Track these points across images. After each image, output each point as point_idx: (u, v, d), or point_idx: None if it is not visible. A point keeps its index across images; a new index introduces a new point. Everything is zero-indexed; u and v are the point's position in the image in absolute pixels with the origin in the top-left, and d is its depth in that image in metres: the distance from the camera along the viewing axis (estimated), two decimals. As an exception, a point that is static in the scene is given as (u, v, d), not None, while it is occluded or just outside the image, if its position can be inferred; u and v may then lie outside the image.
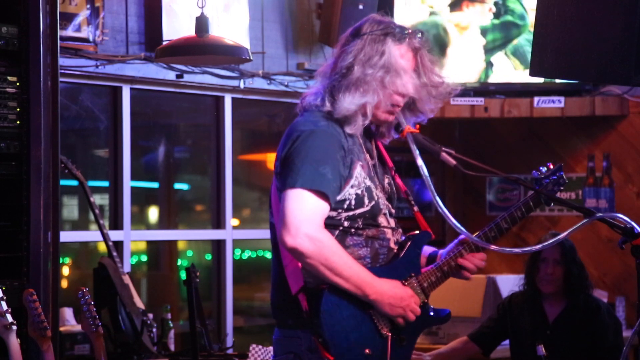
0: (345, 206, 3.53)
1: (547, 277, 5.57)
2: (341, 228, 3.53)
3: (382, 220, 3.61)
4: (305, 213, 3.41)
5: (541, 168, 3.80)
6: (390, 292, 3.51)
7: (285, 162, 3.49)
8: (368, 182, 3.57)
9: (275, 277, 3.60)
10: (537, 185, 3.78)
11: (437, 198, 3.55)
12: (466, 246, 3.70)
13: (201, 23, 5.74)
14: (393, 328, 3.56)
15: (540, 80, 7.47)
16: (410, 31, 3.62)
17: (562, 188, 3.81)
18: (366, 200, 3.55)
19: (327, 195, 3.44)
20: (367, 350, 3.50)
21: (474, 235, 3.67)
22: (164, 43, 6.08)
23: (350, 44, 3.60)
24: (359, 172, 3.55)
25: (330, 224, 3.50)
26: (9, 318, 4.30)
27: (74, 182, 5.95)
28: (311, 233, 3.40)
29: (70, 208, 6.88)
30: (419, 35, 3.63)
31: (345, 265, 3.44)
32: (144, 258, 7.29)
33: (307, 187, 3.42)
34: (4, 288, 4.42)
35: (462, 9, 7.60)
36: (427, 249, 3.79)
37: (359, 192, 3.54)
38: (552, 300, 5.63)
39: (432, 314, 3.65)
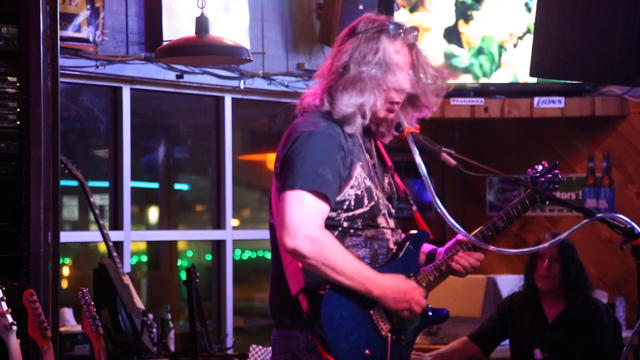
0: (345, 207, 3.53)
1: (544, 273, 5.57)
2: (340, 229, 3.54)
3: (381, 220, 3.61)
4: (304, 214, 3.41)
5: (536, 166, 3.80)
6: (393, 286, 3.51)
7: (285, 163, 3.49)
8: (368, 183, 3.57)
9: (275, 278, 3.60)
10: (532, 184, 3.78)
11: (437, 198, 3.55)
12: (464, 245, 3.70)
13: (201, 23, 5.74)
14: (392, 328, 3.56)
15: (541, 80, 7.48)
16: (404, 28, 3.62)
17: (557, 186, 3.81)
18: (366, 201, 3.55)
19: (327, 196, 3.44)
20: (367, 351, 3.50)
21: (470, 235, 3.67)
22: (164, 43, 6.09)
23: (346, 43, 3.61)
24: (358, 173, 3.55)
25: (330, 225, 3.50)
26: (9, 318, 4.30)
27: (74, 183, 5.95)
28: (310, 234, 3.40)
29: (71, 208, 6.88)
30: (414, 32, 3.63)
31: (346, 263, 3.44)
32: (144, 258, 7.30)
33: (306, 188, 3.42)
34: (4, 288, 4.42)
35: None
36: (427, 247, 3.80)
37: (359, 192, 3.54)
38: (551, 301, 5.63)
39: (430, 313, 3.65)
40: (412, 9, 7.57)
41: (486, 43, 7.63)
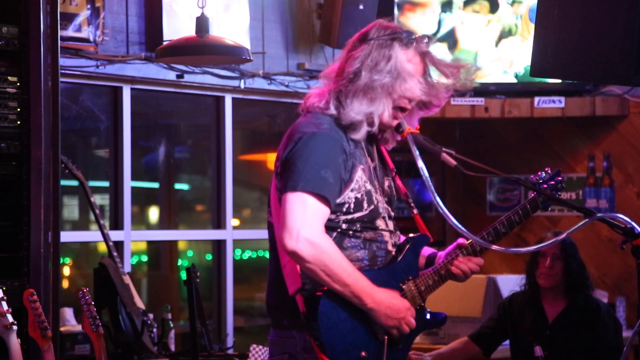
0: (344, 209, 3.53)
1: (546, 271, 5.57)
2: (339, 230, 3.54)
3: (380, 223, 3.60)
4: (306, 217, 3.41)
5: (540, 173, 3.80)
6: (387, 302, 3.51)
7: (287, 164, 3.49)
8: (368, 186, 3.57)
9: (272, 277, 3.60)
10: (535, 191, 3.78)
11: (438, 198, 3.54)
12: (464, 249, 3.70)
13: (201, 23, 5.74)
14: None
15: (541, 80, 7.48)
16: (417, 36, 3.62)
17: (560, 193, 3.81)
18: (365, 204, 3.55)
19: (328, 199, 3.45)
20: (363, 353, 3.50)
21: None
22: (165, 43, 6.09)
23: (357, 49, 3.60)
24: (359, 176, 3.55)
25: (329, 227, 3.50)
26: (10, 318, 4.29)
27: (74, 182, 5.95)
28: (311, 237, 3.40)
29: (71, 208, 6.88)
30: (426, 40, 3.63)
31: (344, 272, 3.44)
32: (145, 258, 7.30)
33: (308, 190, 3.42)
34: (4, 288, 4.42)
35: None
36: (427, 250, 3.79)
37: (359, 196, 3.54)
38: (552, 300, 5.63)
39: (428, 317, 3.65)
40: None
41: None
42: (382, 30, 3.61)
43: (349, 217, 3.53)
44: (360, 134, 3.56)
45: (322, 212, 3.44)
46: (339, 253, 3.45)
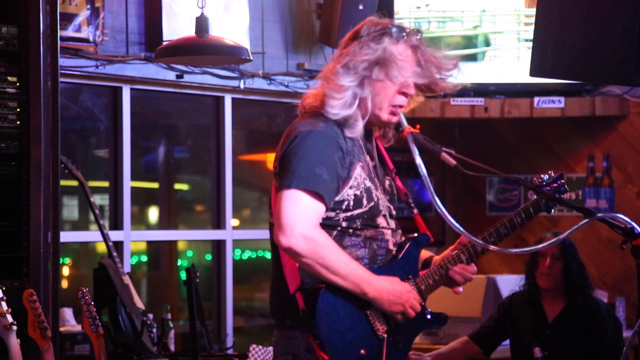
0: (344, 207, 3.53)
1: (546, 272, 5.58)
2: (339, 228, 3.54)
3: (381, 221, 3.60)
4: (300, 213, 3.41)
5: (543, 176, 3.79)
6: (388, 288, 3.50)
7: (282, 162, 3.50)
8: (368, 183, 3.57)
9: (274, 278, 3.60)
10: (534, 191, 3.77)
11: (437, 198, 3.54)
12: (464, 249, 3.69)
13: (201, 23, 5.75)
14: (389, 329, 3.55)
15: (541, 80, 7.47)
16: (408, 30, 3.62)
17: (562, 197, 3.80)
18: (365, 202, 3.55)
19: (323, 196, 3.45)
20: (362, 351, 3.50)
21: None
22: (164, 43, 6.09)
23: (349, 47, 3.61)
24: (358, 173, 3.55)
25: (328, 225, 3.50)
26: (9, 318, 4.29)
27: (74, 182, 5.95)
28: (305, 232, 3.40)
29: (70, 208, 6.88)
30: (418, 35, 3.63)
31: (341, 263, 3.44)
32: (144, 258, 7.30)
33: (302, 187, 3.43)
34: (4, 288, 4.42)
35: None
36: (423, 254, 3.78)
37: (358, 193, 3.54)
38: (551, 300, 5.63)
39: (429, 316, 3.64)
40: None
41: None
42: (372, 27, 3.62)
43: (349, 214, 3.53)
44: (357, 130, 3.56)
45: (316, 208, 3.44)
46: (334, 245, 3.45)
